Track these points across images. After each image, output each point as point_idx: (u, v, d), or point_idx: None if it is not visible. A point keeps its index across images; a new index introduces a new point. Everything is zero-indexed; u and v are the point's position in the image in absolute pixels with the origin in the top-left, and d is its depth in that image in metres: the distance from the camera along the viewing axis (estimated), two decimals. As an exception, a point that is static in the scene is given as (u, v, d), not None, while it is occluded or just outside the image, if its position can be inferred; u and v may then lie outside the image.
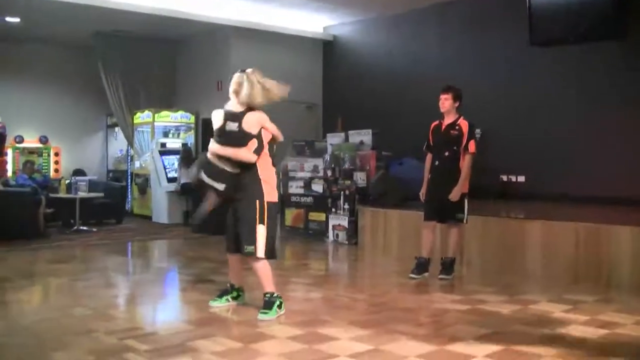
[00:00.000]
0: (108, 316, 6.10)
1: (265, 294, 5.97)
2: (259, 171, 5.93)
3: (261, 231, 5.89)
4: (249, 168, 5.90)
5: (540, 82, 11.40)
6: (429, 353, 4.83)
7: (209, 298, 6.48)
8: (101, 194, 13.34)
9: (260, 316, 5.85)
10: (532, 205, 10.29)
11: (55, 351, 4.84)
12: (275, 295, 5.98)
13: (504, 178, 11.74)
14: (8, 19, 13.28)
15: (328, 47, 15.53)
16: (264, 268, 5.97)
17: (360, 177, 11.38)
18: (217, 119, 6.03)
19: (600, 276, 7.62)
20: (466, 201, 7.90)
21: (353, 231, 11.06)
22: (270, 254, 6.01)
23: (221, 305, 6.32)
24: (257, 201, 5.89)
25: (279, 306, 5.97)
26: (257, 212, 5.88)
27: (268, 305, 5.91)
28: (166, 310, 6.81)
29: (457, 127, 7.81)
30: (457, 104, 7.86)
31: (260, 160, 5.93)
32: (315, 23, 15.28)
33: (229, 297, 6.38)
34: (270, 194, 5.98)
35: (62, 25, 13.97)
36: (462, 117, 7.86)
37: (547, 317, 6.02)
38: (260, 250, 5.90)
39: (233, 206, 6.03)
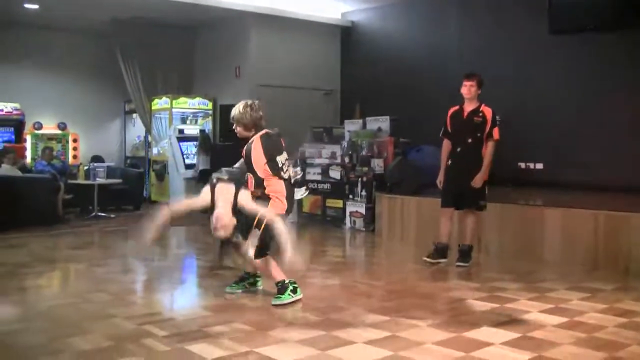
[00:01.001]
0: (127, 302, 6.16)
1: (276, 283, 6.02)
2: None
3: (255, 235, 5.92)
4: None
5: (559, 70, 11.32)
6: (446, 340, 4.84)
7: (227, 284, 6.51)
8: (119, 181, 13.41)
9: (274, 301, 5.91)
10: (551, 192, 10.24)
11: (74, 336, 4.89)
12: (286, 281, 6.01)
13: (522, 165, 11.69)
14: (27, 5, 13.33)
15: (346, 33, 15.48)
16: (263, 265, 6.03)
17: (377, 164, 11.36)
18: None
19: (619, 264, 7.60)
20: (486, 188, 7.89)
21: (370, 218, 11.06)
22: (261, 252, 5.97)
23: (238, 292, 6.36)
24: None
25: (293, 291, 5.99)
26: (257, 219, 5.87)
27: (280, 290, 5.97)
28: (184, 296, 6.87)
29: (480, 114, 7.77)
30: (479, 91, 7.84)
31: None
32: (334, 9, 15.22)
33: (245, 283, 6.43)
34: (277, 207, 5.92)
35: (80, 11, 13.99)
36: (484, 104, 7.83)
37: (565, 305, 5.99)
38: (251, 252, 6.00)
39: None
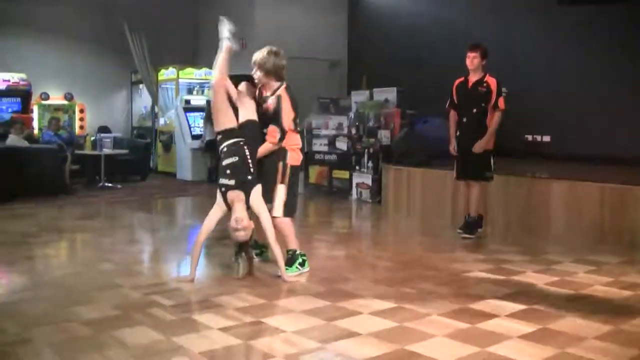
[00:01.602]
0: (133, 271, 6.18)
1: (287, 251, 6.01)
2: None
3: (281, 191, 5.92)
4: None
5: (568, 41, 11.23)
6: (452, 311, 4.84)
7: (233, 255, 6.52)
8: (126, 151, 13.43)
9: (279, 272, 5.88)
10: (557, 165, 10.20)
11: (81, 305, 4.91)
12: (297, 252, 6.03)
13: (529, 138, 11.64)
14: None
15: (353, 4, 15.39)
16: (283, 226, 5.99)
17: (384, 135, 11.34)
18: None
19: (625, 238, 7.58)
20: (492, 159, 7.87)
21: (377, 189, 11.06)
22: (290, 212, 6.04)
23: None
24: (280, 163, 5.94)
25: (301, 264, 6.01)
26: (279, 173, 5.93)
27: (289, 262, 5.96)
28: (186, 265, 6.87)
29: (485, 84, 7.76)
30: (484, 62, 7.81)
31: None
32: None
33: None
34: (293, 157, 6.02)
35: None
36: (488, 74, 7.81)
37: (570, 278, 6.00)
38: (278, 210, 5.94)
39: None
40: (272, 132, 5.91)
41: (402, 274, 6.09)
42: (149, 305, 4.93)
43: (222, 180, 5.66)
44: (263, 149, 5.92)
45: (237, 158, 5.62)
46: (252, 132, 5.83)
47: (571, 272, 6.21)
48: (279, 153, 5.97)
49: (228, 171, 5.61)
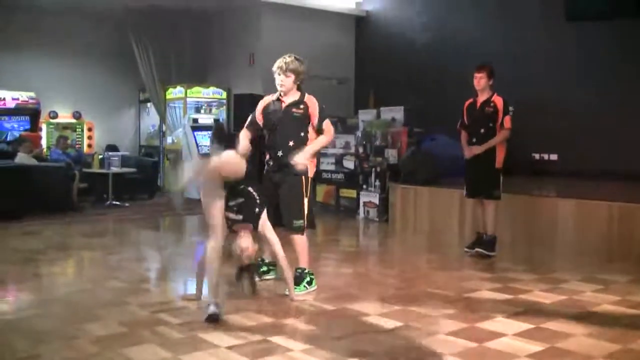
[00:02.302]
0: (141, 289, 6.18)
1: (296, 269, 6.03)
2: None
3: (306, 204, 6.00)
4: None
5: (575, 58, 11.26)
6: (459, 330, 4.84)
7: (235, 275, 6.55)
8: (133, 169, 13.46)
9: (287, 291, 5.89)
10: (565, 183, 10.21)
11: (89, 322, 4.92)
12: (306, 271, 6.05)
13: (536, 156, 11.65)
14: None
15: (361, 22, 15.46)
16: (304, 242, 6.05)
17: (391, 154, 11.35)
18: None
19: (634, 256, 7.56)
20: (501, 178, 7.88)
21: (384, 208, 11.06)
22: (311, 224, 6.20)
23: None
24: (302, 177, 5.98)
25: (309, 283, 6.02)
26: (303, 186, 5.98)
27: (297, 280, 5.96)
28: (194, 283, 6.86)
29: (491, 104, 7.80)
30: (491, 82, 7.85)
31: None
32: (349, -2, 15.27)
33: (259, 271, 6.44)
34: (311, 169, 6.08)
35: (97, -1, 14.06)
36: (495, 94, 7.85)
37: (578, 297, 5.98)
38: (306, 223, 6.04)
39: (275, 180, 6.10)
40: (329, 127, 6.06)
41: (409, 292, 6.08)
42: (157, 323, 4.94)
43: (229, 215, 5.40)
44: (320, 145, 6.07)
45: (243, 199, 5.49)
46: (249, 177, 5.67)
47: (579, 291, 6.18)
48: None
49: (235, 209, 5.41)
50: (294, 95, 6.05)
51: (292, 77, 5.99)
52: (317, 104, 6.03)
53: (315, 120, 5.98)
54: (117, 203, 12.75)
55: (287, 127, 5.99)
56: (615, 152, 10.50)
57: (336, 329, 4.86)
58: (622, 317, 5.30)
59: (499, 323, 5.05)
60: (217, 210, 5.19)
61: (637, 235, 7.59)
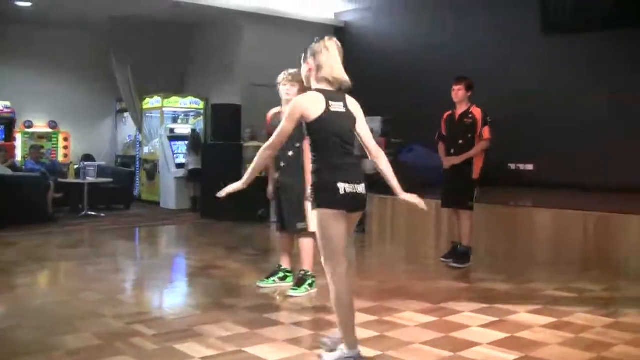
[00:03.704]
0: (116, 301, 6.18)
1: (300, 271, 6.30)
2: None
3: (309, 207, 6.06)
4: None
5: (551, 70, 11.38)
6: (434, 340, 4.89)
7: (218, 283, 6.59)
8: (110, 180, 13.43)
9: (290, 292, 6.21)
10: (541, 193, 10.31)
11: (64, 334, 4.92)
12: (309, 273, 6.29)
13: (512, 167, 11.76)
14: (19, 3, 13.31)
15: (339, 33, 15.51)
16: (310, 244, 6.25)
17: (369, 165, 11.34)
18: None
19: (610, 266, 7.65)
20: (476, 189, 7.95)
21: (361, 218, 11.03)
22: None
23: (269, 286, 6.55)
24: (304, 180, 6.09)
25: (310, 285, 6.27)
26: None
27: (299, 282, 6.24)
28: (174, 295, 6.87)
29: (470, 115, 7.90)
30: (469, 93, 7.94)
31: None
32: (327, 9, 15.31)
33: (275, 278, 6.62)
34: None
35: (74, 9, 13.99)
36: (474, 105, 7.94)
37: (553, 306, 6.02)
38: (313, 225, 6.07)
39: (280, 186, 6.36)
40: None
41: (385, 303, 6.11)
42: (132, 334, 4.94)
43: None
44: None
45: None
46: None
47: (554, 300, 6.24)
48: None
49: None
50: None
51: (297, 87, 6.12)
52: None
53: None
54: (93, 213, 12.71)
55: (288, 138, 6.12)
56: (592, 163, 10.60)
57: (310, 339, 4.89)
58: (596, 326, 5.36)
59: (474, 332, 5.11)
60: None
61: (613, 245, 7.68)
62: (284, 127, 4.30)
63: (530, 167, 11.61)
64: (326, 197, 4.18)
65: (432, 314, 5.68)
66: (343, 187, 4.16)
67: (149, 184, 15.57)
